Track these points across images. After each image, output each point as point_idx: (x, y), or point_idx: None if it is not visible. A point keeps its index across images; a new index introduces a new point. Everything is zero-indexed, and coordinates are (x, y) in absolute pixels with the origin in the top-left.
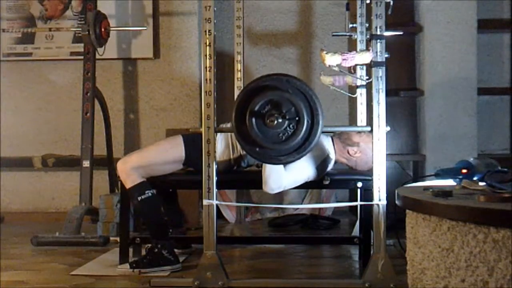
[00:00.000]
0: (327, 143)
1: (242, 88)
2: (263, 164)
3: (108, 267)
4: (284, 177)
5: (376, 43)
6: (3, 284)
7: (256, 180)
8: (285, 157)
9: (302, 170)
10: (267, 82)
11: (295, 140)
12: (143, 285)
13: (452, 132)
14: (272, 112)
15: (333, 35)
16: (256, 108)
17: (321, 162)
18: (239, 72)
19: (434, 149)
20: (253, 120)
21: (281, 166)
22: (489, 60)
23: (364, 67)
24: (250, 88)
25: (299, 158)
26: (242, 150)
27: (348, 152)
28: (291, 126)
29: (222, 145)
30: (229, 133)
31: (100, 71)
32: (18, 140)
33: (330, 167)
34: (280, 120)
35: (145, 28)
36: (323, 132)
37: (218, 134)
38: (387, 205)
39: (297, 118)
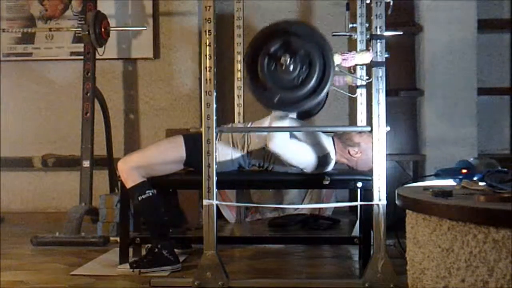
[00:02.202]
0: (327, 143)
1: (242, 88)
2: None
3: (108, 267)
4: (290, 141)
5: (376, 43)
6: (3, 284)
7: (256, 180)
8: (299, 103)
9: (306, 149)
10: (281, 26)
11: (309, 84)
12: (143, 285)
13: (452, 132)
14: (285, 54)
15: (333, 35)
16: (271, 51)
17: (322, 157)
18: (239, 72)
19: (434, 149)
20: (266, 62)
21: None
22: (489, 60)
23: (364, 67)
24: (264, 32)
25: (312, 104)
26: (244, 151)
27: (349, 152)
28: (304, 69)
29: (223, 146)
30: (230, 133)
31: (100, 71)
32: (18, 140)
33: (330, 167)
34: (293, 62)
35: (145, 28)
36: (323, 132)
37: (219, 134)
38: (387, 205)
39: (309, 62)
